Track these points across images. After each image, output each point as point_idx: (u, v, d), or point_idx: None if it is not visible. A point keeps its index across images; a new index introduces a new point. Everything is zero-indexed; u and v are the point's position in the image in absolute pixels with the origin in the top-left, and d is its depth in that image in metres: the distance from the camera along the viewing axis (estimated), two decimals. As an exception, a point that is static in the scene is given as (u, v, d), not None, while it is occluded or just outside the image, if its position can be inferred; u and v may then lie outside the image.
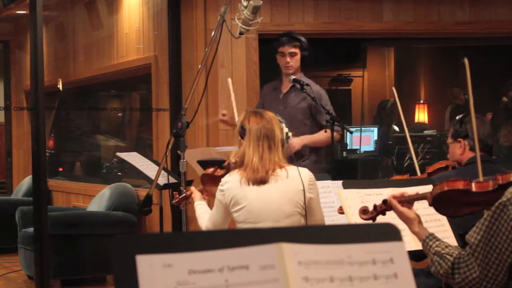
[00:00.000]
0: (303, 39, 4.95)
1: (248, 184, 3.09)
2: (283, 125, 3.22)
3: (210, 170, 3.47)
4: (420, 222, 2.52)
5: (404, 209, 2.55)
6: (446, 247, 2.34)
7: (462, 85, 8.69)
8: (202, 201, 3.50)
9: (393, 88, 4.74)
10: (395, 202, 2.58)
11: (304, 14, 5.98)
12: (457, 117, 3.67)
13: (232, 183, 3.12)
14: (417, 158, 7.41)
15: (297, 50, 4.90)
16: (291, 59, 4.90)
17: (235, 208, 3.12)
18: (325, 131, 4.75)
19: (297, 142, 4.75)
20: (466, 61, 2.98)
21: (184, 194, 3.67)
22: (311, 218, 3.18)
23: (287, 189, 3.10)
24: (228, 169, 3.30)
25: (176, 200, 3.73)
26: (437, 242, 2.38)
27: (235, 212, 3.13)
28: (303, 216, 3.14)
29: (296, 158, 4.77)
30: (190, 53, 5.87)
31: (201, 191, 3.55)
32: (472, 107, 3.05)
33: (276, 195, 3.09)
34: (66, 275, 5.97)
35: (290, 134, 3.23)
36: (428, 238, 2.42)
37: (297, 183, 3.10)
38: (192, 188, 3.58)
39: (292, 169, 3.13)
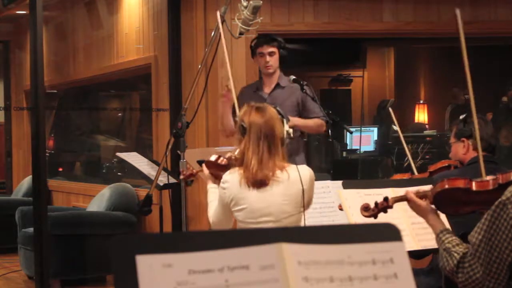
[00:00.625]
0: (280, 38, 4.98)
1: (248, 186, 3.07)
2: (285, 120, 3.17)
3: (213, 157, 3.43)
4: (436, 215, 2.53)
5: (420, 201, 2.56)
6: (457, 244, 2.34)
7: (463, 85, 8.70)
8: (214, 185, 3.42)
9: (389, 108, 4.78)
10: (411, 194, 2.59)
11: (304, 14, 5.98)
12: (461, 117, 3.66)
13: (232, 183, 3.10)
14: (417, 158, 7.44)
15: (275, 50, 4.94)
16: (270, 58, 4.94)
17: (235, 208, 3.11)
18: (325, 131, 4.82)
19: (290, 119, 4.80)
20: (458, 11, 2.85)
21: (190, 171, 3.64)
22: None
23: (289, 191, 3.08)
24: (230, 162, 3.28)
25: (183, 176, 3.72)
26: (450, 238, 2.38)
27: (235, 211, 3.12)
28: (302, 213, 3.14)
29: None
30: (190, 53, 5.87)
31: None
32: (468, 73, 2.89)
33: (277, 197, 3.07)
34: (66, 275, 5.97)
35: (290, 131, 3.20)
36: (442, 233, 2.43)
37: (298, 184, 3.09)
38: (204, 167, 3.46)
39: (293, 170, 3.10)
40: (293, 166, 3.12)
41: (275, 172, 3.07)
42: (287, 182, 3.07)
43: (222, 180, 3.15)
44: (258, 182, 3.05)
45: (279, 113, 3.16)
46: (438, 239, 2.43)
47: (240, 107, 5.10)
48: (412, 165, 4.32)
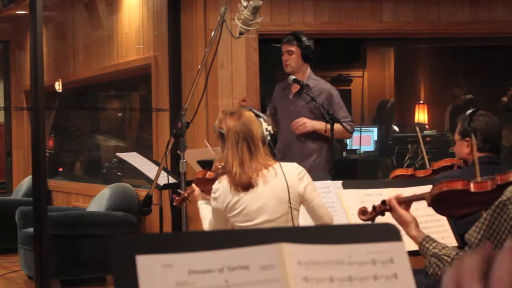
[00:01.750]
0: (303, 38, 4.96)
1: (238, 191, 3.07)
2: (262, 120, 3.14)
3: (201, 173, 3.45)
4: (417, 225, 2.52)
5: (402, 212, 2.55)
6: (443, 248, 2.34)
7: (463, 85, 8.70)
8: (203, 201, 3.48)
9: None
10: (394, 203, 2.58)
11: (304, 14, 5.98)
12: (467, 112, 3.62)
13: (222, 190, 3.10)
14: (416, 158, 7.44)
15: (294, 48, 4.93)
16: (288, 57, 4.93)
17: (231, 213, 3.11)
18: (325, 132, 4.77)
19: (310, 123, 4.79)
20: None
21: (182, 196, 3.67)
22: (311, 206, 3.13)
23: (279, 188, 3.07)
24: (217, 173, 3.28)
25: (176, 201, 3.74)
26: (434, 244, 2.38)
27: (232, 217, 3.12)
28: (297, 210, 3.13)
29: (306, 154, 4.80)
30: (190, 53, 5.87)
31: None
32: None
33: (268, 195, 3.06)
34: (66, 275, 5.98)
35: (269, 128, 3.18)
36: (424, 241, 2.42)
37: (284, 181, 3.07)
38: (194, 186, 3.54)
39: (278, 167, 3.09)
40: (278, 163, 3.11)
41: (260, 172, 3.07)
42: (275, 179, 3.07)
43: (212, 190, 3.15)
44: (245, 185, 3.06)
45: (255, 114, 3.15)
46: (422, 246, 2.42)
47: (272, 104, 5.15)
48: (427, 164, 4.31)
